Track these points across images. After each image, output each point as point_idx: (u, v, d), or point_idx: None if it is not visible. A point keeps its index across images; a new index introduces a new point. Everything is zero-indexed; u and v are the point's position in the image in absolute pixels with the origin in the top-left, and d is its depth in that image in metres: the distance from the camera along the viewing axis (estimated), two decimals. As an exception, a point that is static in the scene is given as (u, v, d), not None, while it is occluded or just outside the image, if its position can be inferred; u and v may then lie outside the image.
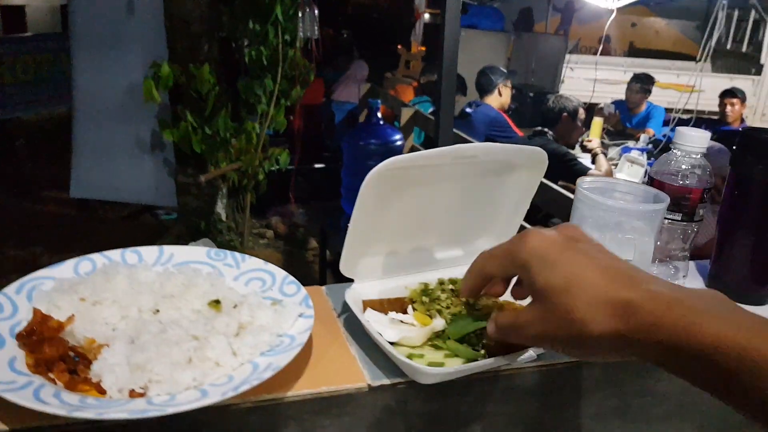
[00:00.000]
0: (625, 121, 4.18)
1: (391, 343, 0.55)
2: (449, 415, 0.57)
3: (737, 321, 0.36)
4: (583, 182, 0.67)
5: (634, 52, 7.17)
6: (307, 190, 3.52)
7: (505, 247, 0.47)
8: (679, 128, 0.71)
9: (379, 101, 2.42)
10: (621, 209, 0.62)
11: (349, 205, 2.74)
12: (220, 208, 3.15)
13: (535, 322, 0.44)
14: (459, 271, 0.64)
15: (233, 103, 3.10)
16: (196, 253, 0.66)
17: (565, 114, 2.95)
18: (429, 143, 3.09)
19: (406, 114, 3.01)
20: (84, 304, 0.54)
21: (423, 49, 6.43)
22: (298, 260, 3.12)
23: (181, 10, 3.01)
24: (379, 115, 2.36)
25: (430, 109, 3.39)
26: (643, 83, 4.15)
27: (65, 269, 0.60)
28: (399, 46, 6.15)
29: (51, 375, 0.47)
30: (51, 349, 0.48)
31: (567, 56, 5.08)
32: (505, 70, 3.39)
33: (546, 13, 5.69)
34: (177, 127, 2.87)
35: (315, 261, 3.18)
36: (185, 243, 3.02)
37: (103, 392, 0.46)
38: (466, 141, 2.63)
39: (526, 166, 0.65)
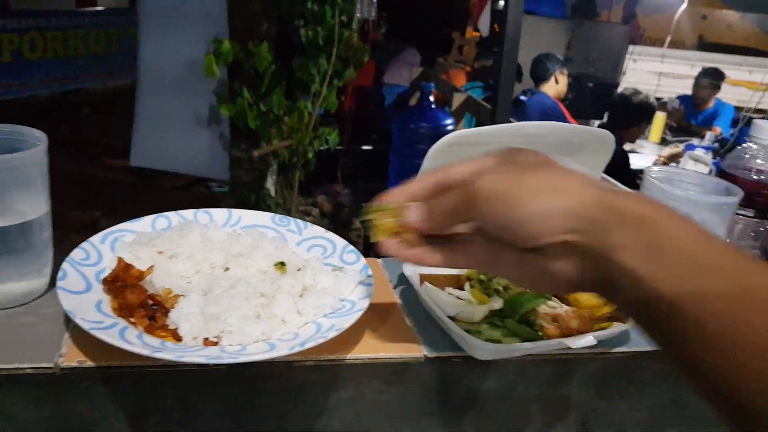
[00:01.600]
0: (690, 118, 4.00)
1: (449, 318, 0.56)
2: (503, 394, 0.58)
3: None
4: (651, 171, 0.66)
5: (703, 45, 6.83)
6: (354, 171, 3.55)
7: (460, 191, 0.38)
8: (757, 121, 0.69)
9: (432, 85, 2.41)
10: (691, 200, 0.61)
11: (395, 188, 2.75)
12: (270, 184, 3.22)
13: (494, 176, 0.36)
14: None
15: (287, 81, 3.15)
16: (262, 217, 0.68)
17: (645, 122, 2.80)
18: (481, 130, 3.04)
19: (458, 99, 2.99)
20: (161, 257, 0.57)
21: (477, 34, 6.32)
22: (343, 239, 3.15)
23: (242, -11, 3.07)
24: (431, 98, 2.35)
25: (483, 95, 3.35)
26: (712, 78, 3.96)
27: (144, 224, 0.63)
28: (454, 33, 6.08)
29: (132, 319, 0.51)
30: (132, 295, 0.52)
31: (630, 47, 4.89)
32: (561, 58, 3.27)
33: (610, 1, 5.49)
34: (233, 103, 2.95)
35: (359, 241, 3.21)
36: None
37: (179, 339, 0.49)
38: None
39: (591, 147, 0.64)
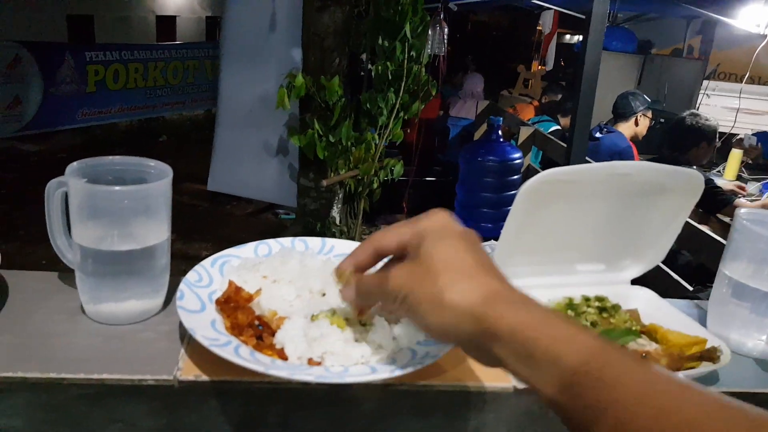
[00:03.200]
0: (767, 155, 3.82)
1: (537, 350, 0.57)
2: (588, 429, 0.58)
3: (585, 331, 0.38)
4: (742, 212, 0.65)
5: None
6: (419, 202, 3.59)
7: (410, 220, 0.49)
8: None
9: (501, 119, 2.43)
10: (784, 244, 0.60)
11: (462, 221, 2.75)
12: (335, 212, 3.30)
13: (403, 274, 0.45)
14: (604, 290, 0.65)
15: (355, 113, 3.26)
16: (353, 246, 0.72)
17: (704, 142, 2.73)
18: (547, 163, 3.02)
19: (524, 133, 2.99)
20: (266, 281, 0.62)
21: (542, 68, 6.31)
22: (406, 269, 3.17)
23: (317, 26, 3.23)
24: (500, 132, 2.36)
25: (551, 129, 3.32)
26: (791, 114, 3.77)
27: (247, 250, 0.69)
28: (518, 66, 6.09)
29: (241, 338, 0.55)
30: (243, 315, 0.56)
31: (705, 82, 4.73)
32: (648, 99, 3.17)
33: (684, 34, 5.35)
34: (304, 134, 3.07)
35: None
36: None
37: (285, 358, 0.53)
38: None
39: (679, 189, 0.65)
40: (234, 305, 0.57)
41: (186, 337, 0.59)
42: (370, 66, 3.44)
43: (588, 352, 0.37)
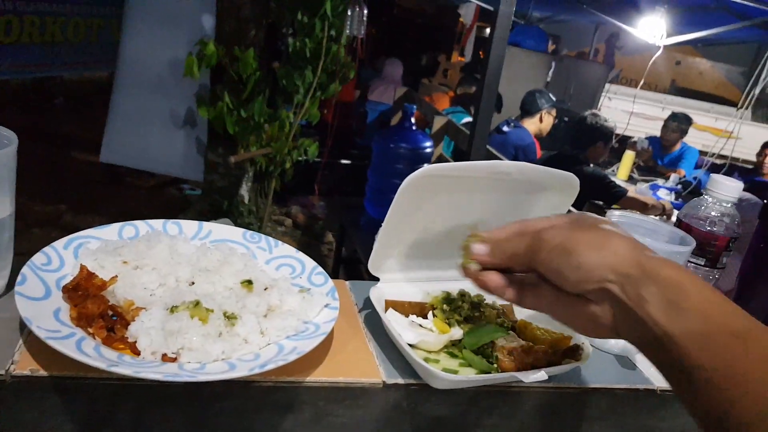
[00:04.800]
0: (656, 158, 4.14)
1: (409, 345, 0.57)
2: (455, 423, 0.59)
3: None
4: (612, 216, 0.68)
5: (674, 89, 7.09)
6: (331, 185, 3.55)
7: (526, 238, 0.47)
8: (713, 175, 0.72)
9: (414, 106, 2.44)
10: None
11: (372, 205, 2.76)
12: (244, 191, 3.19)
13: (563, 228, 0.45)
14: (481, 285, 0.66)
15: (270, 89, 3.15)
16: (233, 232, 0.68)
17: (601, 141, 2.91)
18: (458, 154, 3.09)
19: (438, 122, 3.03)
20: (126, 267, 0.57)
21: (462, 59, 6.44)
22: (314, 252, 3.15)
23: (232, -6, 3.07)
24: (413, 120, 2.38)
25: (463, 120, 3.39)
26: (680, 122, 4.11)
27: (110, 231, 0.63)
28: (440, 55, 6.17)
29: (90, 330, 0.50)
30: (93, 305, 0.51)
31: (607, 85, 5.04)
32: (553, 98, 3.31)
33: (591, 38, 5.66)
34: (214, 107, 2.93)
35: (330, 255, 3.21)
36: (206, 220, 3.08)
37: (137, 353, 0.49)
38: (495, 157, 2.64)
39: (557, 189, 0.67)
40: (83, 293, 0.52)
41: (26, 327, 0.53)
42: (285, 31, 3.33)
43: (740, 322, 0.38)
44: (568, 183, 0.65)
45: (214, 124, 2.93)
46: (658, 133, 4.29)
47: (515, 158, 2.92)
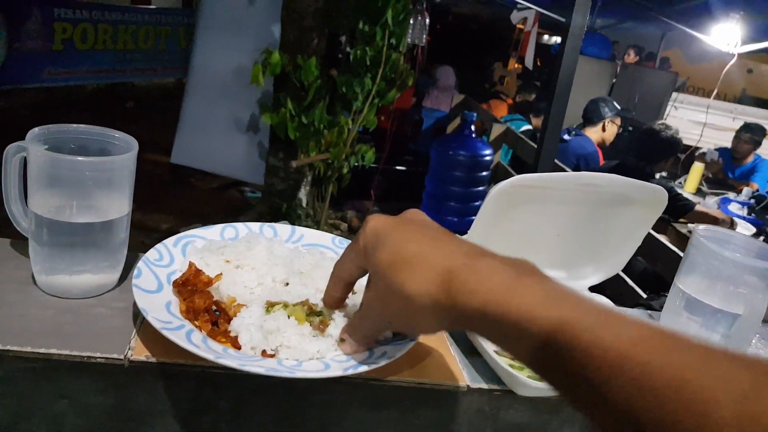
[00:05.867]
0: (727, 171, 3.96)
1: (494, 351, 0.58)
2: (536, 431, 0.60)
3: (553, 295, 0.36)
4: (700, 229, 0.68)
5: (746, 99, 6.76)
6: (387, 190, 3.59)
7: (352, 242, 0.49)
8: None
9: (474, 114, 2.44)
10: (737, 262, 0.62)
11: (429, 212, 2.77)
12: (303, 194, 3.28)
13: (373, 300, 0.46)
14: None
15: (330, 96, 3.23)
16: (323, 237, 0.72)
17: (674, 156, 2.79)
18: (517, 162, 3.06)
19: (497, 130, 3.01)
20: (228, 265, 0.61)
21: (518, 66, 6.37)
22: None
23: (298, 4, 3.17)
24: (473, 128, 2.38)
25: (522, 128, 3.36)
26: (753, 133, 3.92)
27: (213, 232, 0.67)
28: (496, 62, 6.12)
29: (196, 322, 0.54)
30: (200, 299, 0.55)
31: (674, 94, 4.86)
32: (618, 107, 3.22)
33: (657, 46, 5.47)
34: (276, 113, 3.03)
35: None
36: (266, 222, 3.17)
37: (238, 347, 0.52)
38: (557, 166, 2.60)
39: (644, 202, 0.67)
40: (192, 288, 0.56)
41: (140, 316, 0.57)
42: (348, 48, 3.40)
43: (560, 318, 0.34)
44: (656, 197, 0.64)
45: (276, 129, 3.03)
46: (728, 144, 4.10)
47: (576, 167, 2.87)
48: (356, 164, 3.17)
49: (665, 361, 0.30)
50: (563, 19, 1.86)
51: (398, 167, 3.81)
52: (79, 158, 0.56)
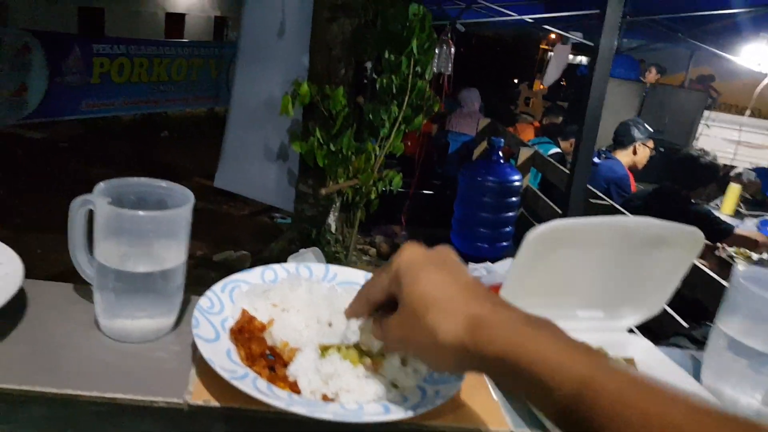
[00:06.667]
0: (765, 191, 3.86)
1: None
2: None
3: (575, 351, 0.39)
4: (740, 269, 0.68)
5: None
6: (416, 215, 3.61)
7: (386, 265, 0.51)
8: None
9: (502, 141, 2.46)
10: (781, 305, 0.62)
11: (459, 239, 2.77)
12: (332, 220, 3.32)
13: (398, 326, 0.48)
14: (602, 337, 0.67)
15: (357, 123, 3.29)
16: (356, 275, 0.74)
17: (714, 183, 2.74)
18: (546, 186, 3.05)
19: (524, 154, 3.02)
20: (276, 309, 0.64)
21: (544, 87, 6.36)
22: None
23: (326, 35, 3.26)
24: (501, 153, 2.40)
25: (551, 151, 3.36)
26: (793, 151, 3.81)
27: (254, 275, 0.70)
28: (521, 84, 6.13)
29: (254, 368, 0.57)
30: (256, 346, 0.58)
31: (705, 112, 4.77)
32: (650, 129, 3.16)
33: (687, 63, 5.41)
34: (305, 141, 3.10)
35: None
36: (296, 248, 3.21)
37: (298, 391, 0.54)
38: (588, 191, 2.56)
39: (681, 244, 0.67)
40: (248, 335, 0.59)
41: (196, 359, 0.60)
42: (374, 75, 3.46)
43: (581, 379, 0.37)
44: (693, 238, 0.65)
45: (306, 157, 3.10)
46: (764, 163, 4.00)
47: (607, 191, 2.83)
48: (384, 189, 3.20)
49: (684, 422, 0.33)
50: (591, 43, 1.88)
51: (426, 192, 3.84)
52: (141, 213, 0.60)
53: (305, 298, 0.65)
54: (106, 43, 7.09)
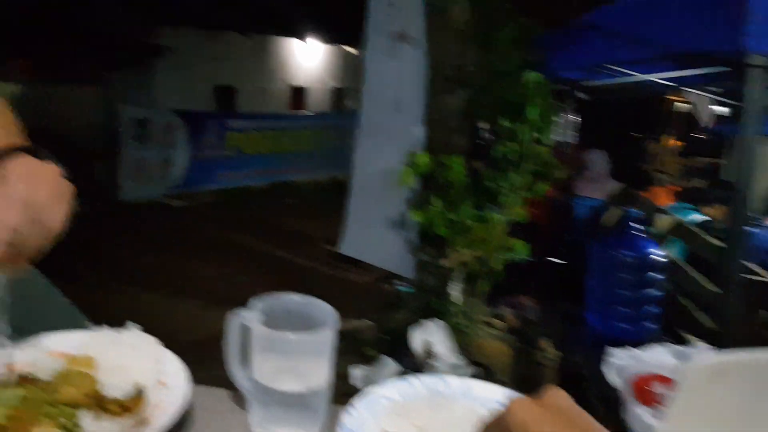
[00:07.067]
0: None
1: None
2: None
3: None
4: None
5: None
6: (543, 285, 3.44)
7: (493, 421, 0.46)
8: None
9: (640, 213, 2.29)
10: None
11: (595, 317, 2.55)
12: (455, 291, 3.27)
13: None
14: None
15: (477, 190, 3.26)
16: (496, 392, 0.70)
17: None
18: (695, 260, 2.73)
19: (662, 221, 2.77)
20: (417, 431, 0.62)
21: (677, 143, 5.92)
22: (527, 358, 3.03)
23: (441, 106, 3.34)
24: (636, 224, 2.23)
25: (695, 218, 3.05)
26: None
27: (392, 390, 0.70)
28: (649, 141, 5.78)
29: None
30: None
31: None
32: None
33: None
34: (425, 210, 3.13)
35: (545, 362, 3.05)
36: (417, 318, 3.19)
37: None
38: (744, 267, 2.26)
39: None
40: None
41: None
42: (490, 136, 3.45)
43: None
44: None
45: (425, 226, 3.12)
46: None
47: (763, 264, 2.49)
48: (509, 259, 3.11)
49: None
50: (735, 102, 1.72)
51: (553, 260, 3.66)
52: (291, 336, 0.63)
53: (446, 420, 0.63)
54: (238, 118, 7.93)
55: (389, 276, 4.04)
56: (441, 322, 2.96)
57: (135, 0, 8.27)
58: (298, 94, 10.53)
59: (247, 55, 9.53)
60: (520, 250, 3.12)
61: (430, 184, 3.25)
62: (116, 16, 8.15)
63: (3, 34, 6.96)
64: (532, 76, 3.01)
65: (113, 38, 8.01)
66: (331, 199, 3.88)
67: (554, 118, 2.99)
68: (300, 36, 10.32)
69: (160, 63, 8.50)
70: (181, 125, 7.12)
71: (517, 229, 3.42)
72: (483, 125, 3.63)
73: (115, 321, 0.79)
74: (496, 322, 3.39)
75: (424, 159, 3.14)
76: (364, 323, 3.51)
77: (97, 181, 6.80)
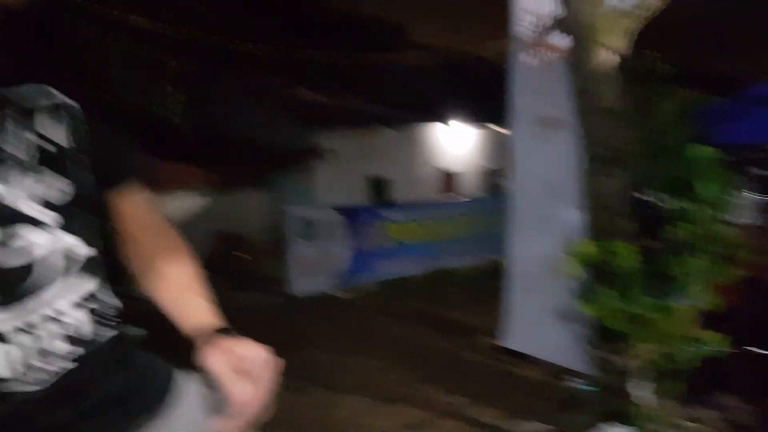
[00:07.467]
0: None
1: None
2: None
3: None
4: None
5: None
6: (753, 382, 2.94)
7: None
8: None
9: None
10: None
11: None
12: (640, 391, 2.94)
13: None
14: None
15: (651, 276, 2.98)
16: None
17: None
18: None
19: None
20: None
21: None
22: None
23: (599, 189, 3.18)
24: None
25: None
26: None
27: None
28: None
29: None
30: None
31: None
32: None
33: None
34: (596, 302, 2.92)
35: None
36: (598, 420, 2.90)
37: None
38: None
39: None
40: None
41: None
42: (657, 213, 3.17)
43: None
44: None
45: (600, 320, 2.89)
46: None
47: None
48: (702, 354, 2.75)
49: None
50: None
51: (759, 350, 3.12)
52: None
53: None
54: (393, 209, 8.29)
55: (561, 371, 3.78)
56: (626, 429, 2.66)
57: (291, 110, 9.41)
58: (449, 178, 10.82)
59: (394, 145, 10.14)
60: (714, 342, 2.75)
61: (599, 273, 3.05)
62: (276, 126, 9.31)
63: (180, 148, 8.26)
64: (700, 150, 2.77)
65: (275, 145, 9.10)
66: (489, 286, 3.81)
67: (734, 195, 2.68)
68: (443, 120, 10.69)
69: (317, 163, 9.40)
70: (341, 221, 7.64)
71: (711, 319, 3.02)
72: (650, 203, 3.37)
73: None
74: (692, 426, 2.95)
75: (588, 248, 2.99)
76: (539, 427, 3.29)
77: (267, 277, 7.53)
